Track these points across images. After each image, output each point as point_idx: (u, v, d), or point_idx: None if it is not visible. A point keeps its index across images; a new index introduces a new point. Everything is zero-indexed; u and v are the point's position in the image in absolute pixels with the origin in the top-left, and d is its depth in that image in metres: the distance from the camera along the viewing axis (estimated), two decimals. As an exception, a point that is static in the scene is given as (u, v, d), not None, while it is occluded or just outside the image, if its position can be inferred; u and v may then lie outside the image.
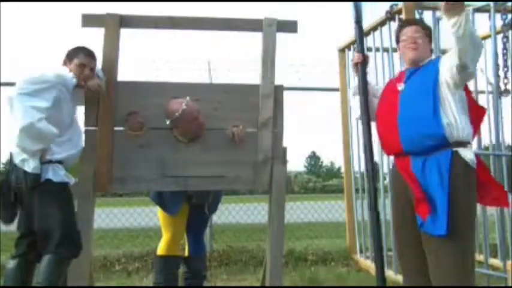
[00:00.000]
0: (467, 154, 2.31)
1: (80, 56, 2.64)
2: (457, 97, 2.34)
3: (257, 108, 2.81)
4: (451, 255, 2.23)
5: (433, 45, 2.83)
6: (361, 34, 2.79)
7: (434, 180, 2.26)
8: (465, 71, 2.29)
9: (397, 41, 2.63)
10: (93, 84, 2.64)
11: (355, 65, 2.73)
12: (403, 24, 2.65)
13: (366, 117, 2.63)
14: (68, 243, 2.42)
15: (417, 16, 3.76)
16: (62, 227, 2.41)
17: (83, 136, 2.74)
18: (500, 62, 3.86)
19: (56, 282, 2.38)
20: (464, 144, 2.33)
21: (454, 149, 2.29)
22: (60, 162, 2.53)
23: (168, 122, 2.69)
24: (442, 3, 2.21)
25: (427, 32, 2.55)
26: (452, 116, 2.30)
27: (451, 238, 2.21)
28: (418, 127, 2.31)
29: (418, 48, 2.48)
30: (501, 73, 3.82)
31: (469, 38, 2.18)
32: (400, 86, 2.46)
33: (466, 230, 2.26)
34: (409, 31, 2.52)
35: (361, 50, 2.74)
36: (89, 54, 2.68)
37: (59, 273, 2.41)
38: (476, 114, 2.46)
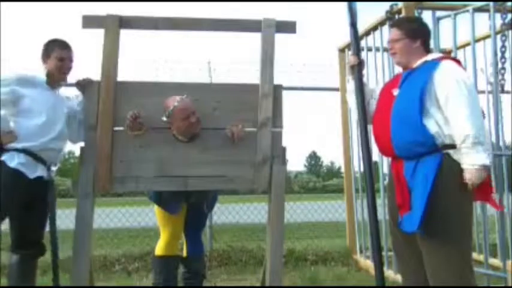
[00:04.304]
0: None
1: (56, 50, 2.72)
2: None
3: (256, 108, 2.81)
4: (440, 256, 2.22)
5: (432, 44, 2.81)
6: (356, 36, 2.78)
7: (419, 183, 2.25)
8: None
9: None
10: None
11: (351, 67, 2.70)
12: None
13: (363, 121, 2.62)
14: None
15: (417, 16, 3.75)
16: None
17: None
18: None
19: None
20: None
21: (445, 151, 2.25)
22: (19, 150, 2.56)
23: (164, 118, 2.70)
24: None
25: (407, 32, 2.43)
26: (443, 121, 2.25)
27: (441, 240, 2.22)
28: (407, 134, 2.29)
29: (396, 53, 2.46)
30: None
31: None
32: (396, 91, 2.43)
33: (457, 232, 2.23)
34: (389, 35, 2.52)
35: (357, 52, 2.73)
36: (64, 46, 2.75)
37: None
38: None
